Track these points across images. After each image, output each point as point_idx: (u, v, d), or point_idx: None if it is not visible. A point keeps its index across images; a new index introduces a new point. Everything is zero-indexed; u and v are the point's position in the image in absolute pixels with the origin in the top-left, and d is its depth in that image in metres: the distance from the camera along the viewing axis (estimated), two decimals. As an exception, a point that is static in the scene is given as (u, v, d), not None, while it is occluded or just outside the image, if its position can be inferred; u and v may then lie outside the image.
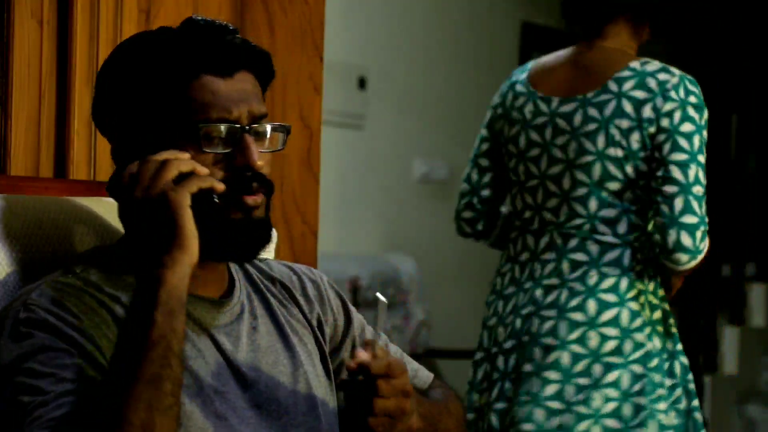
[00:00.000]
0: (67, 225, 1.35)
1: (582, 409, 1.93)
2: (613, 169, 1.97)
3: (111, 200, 1.47)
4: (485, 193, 2.15)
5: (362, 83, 4.32)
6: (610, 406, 1.93)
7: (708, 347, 5.09)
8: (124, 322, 1.14)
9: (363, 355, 1.17)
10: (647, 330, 1.98)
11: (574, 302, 1.97)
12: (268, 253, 1.62)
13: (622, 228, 2.00)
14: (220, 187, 1.18)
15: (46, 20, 1.65)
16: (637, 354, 1.96)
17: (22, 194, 1.44)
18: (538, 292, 2.01)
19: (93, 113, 1.30)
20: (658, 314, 2.02)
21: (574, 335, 1.95)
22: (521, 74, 2.13)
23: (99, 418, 1.06)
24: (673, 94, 1.96)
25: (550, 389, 1.95)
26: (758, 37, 5.58)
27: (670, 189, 1.95)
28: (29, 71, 1.63)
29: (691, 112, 1.99)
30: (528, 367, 1.98)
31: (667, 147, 1.95)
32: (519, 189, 2.08)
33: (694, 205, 1.98)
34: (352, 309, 1.46)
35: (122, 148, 1.25)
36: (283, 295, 1.39)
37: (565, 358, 1.95)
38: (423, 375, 1.47)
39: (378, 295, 1.21)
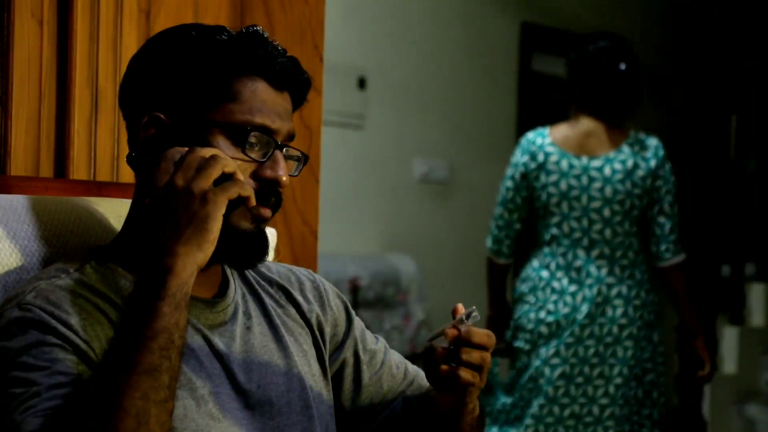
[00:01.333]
0: (66, 225, 1.35)
1: (649, 364, 3.08)
2: (636, 202, 2.99)
3: (111, 200, 1.47)
4: (517, 226, 3.14)
5: (362, 83, 4.32)
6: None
7: (708, 347, 5.09)
8: (127, 309, 1.13)
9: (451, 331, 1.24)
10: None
11: (633, 293, 3.00)
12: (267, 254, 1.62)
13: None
14: (254, 201, 1.19)
15: (46, 20, 1.65)
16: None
17: (22, 194, 1.44)
18: (603, 288, 2.99)
19: (123, 92, 1.29)
20: None
21: (638, 315, 3.01)
22: (543, 139, 3.05)
23: (93, 405, 1.06)
24: (660, 152, 3.03)
25: (629, 353, 3.03)
26: (758, 37, 5.58)
27: (662, 219, 3.03)
28: (29, 71, 1.63)
29: (669, 164, 3.06)
30: (608, 339, 3.00)
31: (663, 189, 3.03)
32: (563, 218, 3.02)
33: (676, 229, 3.06)
34: (352, 310, 1.46)
35: (150, 127, 1.24)
36: (279, 296, 1.39)
37: (635, 330, 3.01)
38: (421, 378, 1.48)
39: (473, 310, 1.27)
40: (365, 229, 4.43)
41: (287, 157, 1.28)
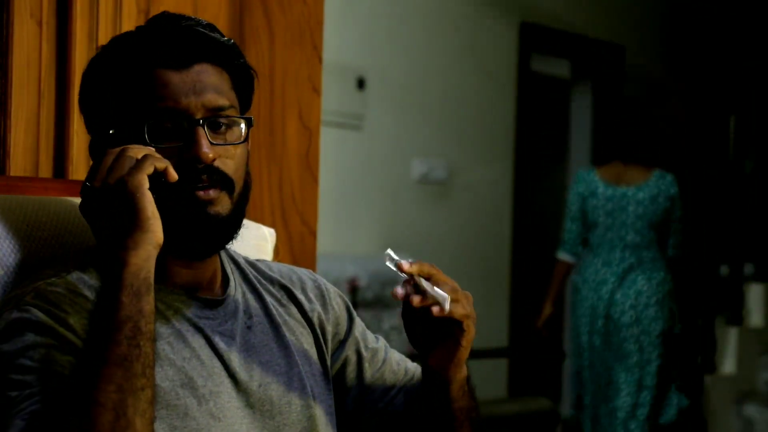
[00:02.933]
0: (66, 225, 1.35)
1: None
2: (659, 218, 4.21)
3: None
4: (584, 234, 4.32)
5: (361, 84, 4.32)
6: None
7: (707, 347, 5.10)
8: (94, 308, 1.14)
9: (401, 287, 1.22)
10: None
11: (654, 274, 4.18)
12: (266, 254, 1.62)
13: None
14: (174, 174, 1.17)
15: (46, 20, 1.65)
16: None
17: (22, 194, 1.44)
18: (632, 274, 4.18)
19: (80, 109, 1.31)
20: None
21: (658, 289, 4.17)
22: (593, 176, 4.29)
23: (72, 403, 1.06)
24: (675, 186, 4.24)
25: (658, 314, 4.22)
26: (758, 38, 5.59)
27: (676, 232, 4.26)
28: (28, 71, 1.63)
29: (679, 192, 4.27)
30: (640, 306, 4.16)
31: (677, 212, 4.24)
32: (606, 229, 4.23)
33: (681, 237, 4.32)
34: (354, 311, 1.46)
35: (94, 144, 1.26)
36: (281, 295, 1.39)
37: (658, 298, 4.17)
38: (420, 373, 1.48)
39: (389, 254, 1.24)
40: (364, 229, 4.43)
41: (227, 125, 1.24)
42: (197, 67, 1.23)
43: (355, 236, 4.38)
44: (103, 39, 1.71)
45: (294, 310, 1.38)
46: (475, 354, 5.20)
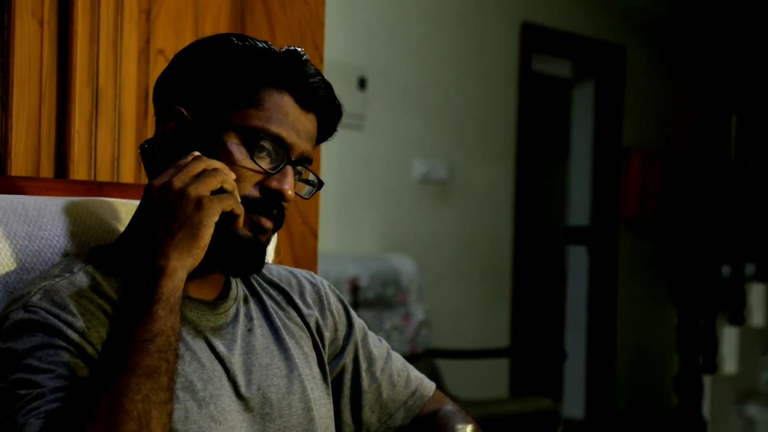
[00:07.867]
0: (67, 225, 1.35)
1: None
2: None
3: (111, 200, 1.47)
4: None
5: (362, 83, 4.32)
6: None
7: (708, 347, 5.09)
8: (122, 311, 1.14)
9: None
10: None
11: None
12: (267, 255, 1.62)
13: None
14: (240, 224, 1.20)
15: (47, 20, 1.65)
16: None
17: (22, 194, 1.44)
18: None
19: (156, 85, 1.30)
20: None
21: None
22: None
23: (95, 408, 1.06)
24: None
25: None
26: (759, 37, 5.58)
27: None
28: (29, 71, 1.63)
29: None
30: None
31: None
32: None
33: None
34: (354, 314, 1.46)
35: (171, 120, 1.25)
36: (281, 299, 1.39)
37: None
38: (424, 386, 1.48)
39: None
40: (365, 229, 4.43)
41: (301, 180, 1.29)
42: (312, 116, 1.28)
43: (356, 236, 4.38)
44: (104, 39, 1.71)
45: (293, 313, 1.39)
46: (477, 354, 5.22)
